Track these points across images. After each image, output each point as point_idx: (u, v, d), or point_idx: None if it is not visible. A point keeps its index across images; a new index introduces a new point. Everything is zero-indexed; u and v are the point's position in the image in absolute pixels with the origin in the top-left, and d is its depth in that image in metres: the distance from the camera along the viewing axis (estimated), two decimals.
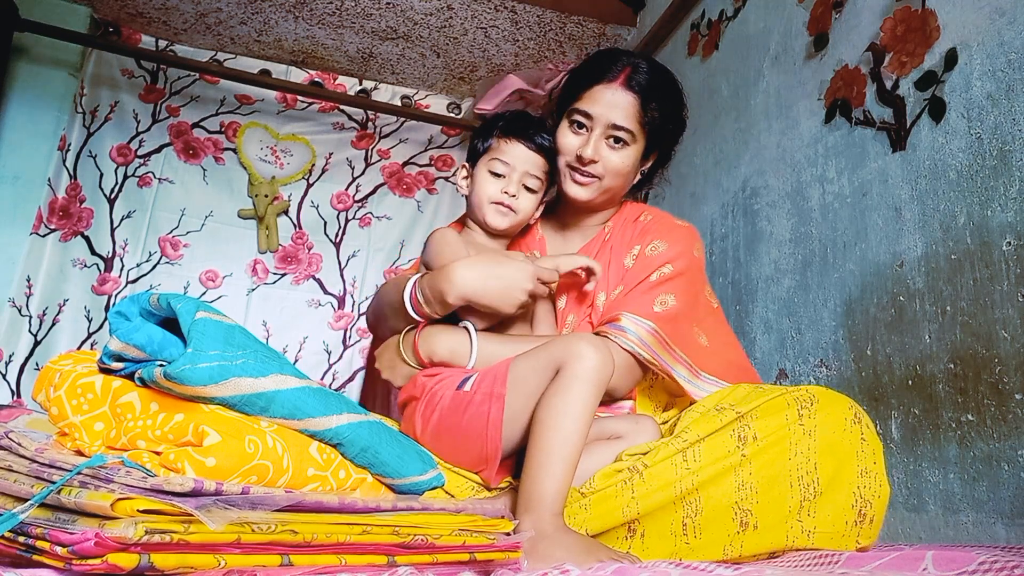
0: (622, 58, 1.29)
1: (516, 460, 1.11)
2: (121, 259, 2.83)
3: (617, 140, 1.25)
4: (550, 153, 1.26)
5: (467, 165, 1.29)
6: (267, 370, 0.76)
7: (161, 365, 0.71)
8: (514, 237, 1.35)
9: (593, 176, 1.26)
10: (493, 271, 1.11)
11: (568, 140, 1.27)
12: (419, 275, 1.18)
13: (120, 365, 0.75)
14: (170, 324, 0.76)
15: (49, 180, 2.72)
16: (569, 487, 0.98)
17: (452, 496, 1.06)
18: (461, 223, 1.37)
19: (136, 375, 0.73)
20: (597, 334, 1.18)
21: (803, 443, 1.00)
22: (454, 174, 3.29)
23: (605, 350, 1.02)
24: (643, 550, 1.01)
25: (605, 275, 1.29)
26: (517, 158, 1.23)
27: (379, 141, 3.24)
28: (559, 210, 1.39)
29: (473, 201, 1.26)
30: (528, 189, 1.25)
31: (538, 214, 1.33)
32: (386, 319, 1.26)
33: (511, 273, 1.11)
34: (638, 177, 1.35)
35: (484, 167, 1.25)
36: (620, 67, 1.26)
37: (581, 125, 1.27)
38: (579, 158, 1.25)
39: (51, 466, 0.65)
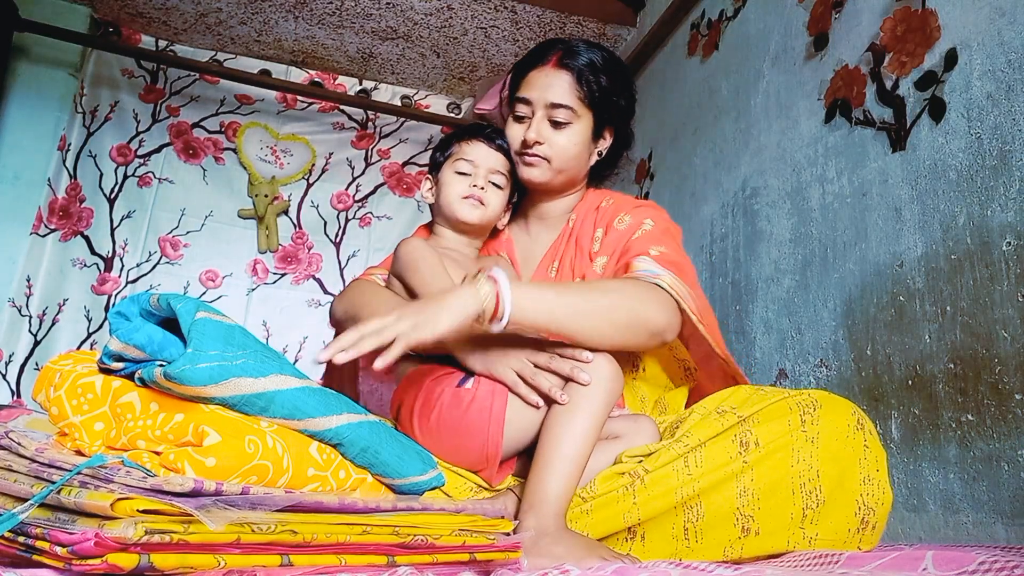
0: (556, 43, 1.31)
1: (517, 460, 1.11)
2: (121, 259, 2.83)
3: (559, 120, 1.26)
4: (510, 155, 1.29)
5: (430, 176, 1.33)
6: (267, 370, 0.76)
7: (161, 365, 0.71)
8: (483, 240, 1.35)
9: (540, 157, 1.26)
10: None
11: (513, 131, 1.29)
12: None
13: (120, 365, 0.75)
14: (171, 324, 0.76)
15: (49, 180, 2.72)
16: (575, 489, 0.99)
17: (451, 496, 1.06)
18: (427, 230, 1.37)
19: (136, 375, 0.73)
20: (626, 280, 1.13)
21: (805, 450, 0.98)
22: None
23: (615, 363, 1.05)
24: (643, 552, 1.01)
25: (570, 266, 1.29)
26: (480, 156, 1.27)
27: (379, 141, 3.24)
28: (523, 205, 1.39)
29: (442, 202, 1.28)
30: (495, 186, 1.28)
31: (506, 219, 1.35)
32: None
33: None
34: (595, 158, 1.34)
35: (449, 170, 1.28)
36: (553, 51, 1.29)
37: (522, 115, 1.28)
38: (524, 142, 1.26)
39: (51, 466, 0.65)
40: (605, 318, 1.05)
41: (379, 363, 0.89)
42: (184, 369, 0.69)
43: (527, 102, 1.27)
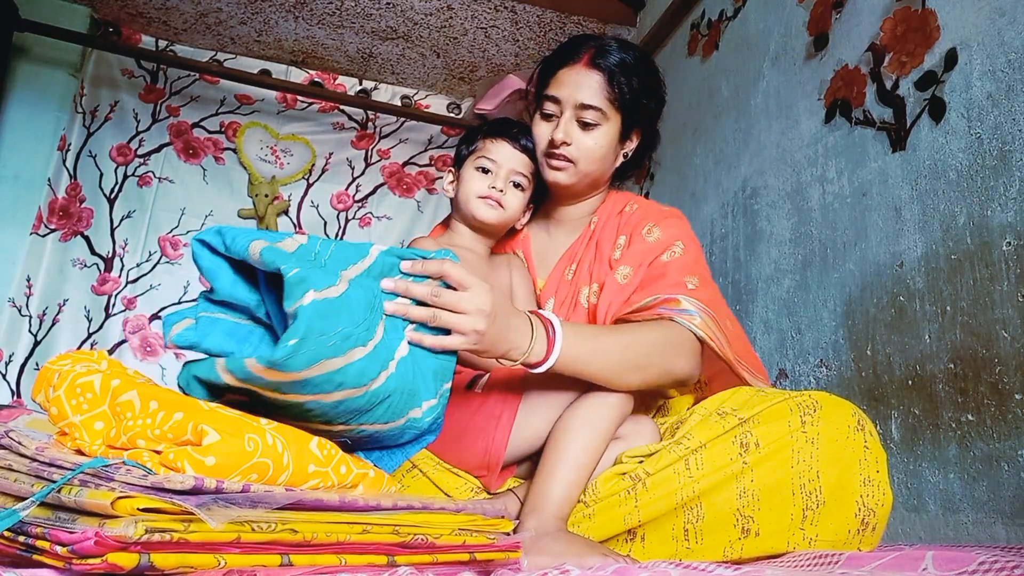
0: (588, 41, 1.27)
1: (519, 463, 1.11)
2: (121, 259, 2.83)
3: (588, 122, 1.23)
4: (535, 155, 1.27)
5: (453, 170, 1.30)
6: (346, 347, 0.79)
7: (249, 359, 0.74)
8: (498, 239, 1.33)
9: (568, 160, 1.24)
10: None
11: (540, 129, 1.26)
12: None
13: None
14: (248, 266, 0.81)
15: (49, 180, 2.72)
16: (578, 496, 1.00)
17: (452, 496, 1.06)
18: (444, 226, 1.35)
19: (220, 364, 0.77)
20: (659, 317, 1.12)
21: (805, 451, 0.98)
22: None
23: None
24: (643, 553, 1.01)
25: (588, 270, 1.27)
26: (503, 156, 1.24)
27: (379, 141, 3.25)
28: (545, 206, 1.36)
29: (460, 199, 1.25)
30: (516, 187, 1.25)
31: (525, 219, 1.32)
32: None
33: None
34: (620, 160, 1.32)
35: (471, 166, 1.25)
36: (585, 48, 1.25)
37: (550, 113, 1.25)
38: (551, 142, 1.23)
39: (51, 465, 0.65)
40: (638, 374, 1.06)
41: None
42: (287, 359, 0.72)
43: (556, 100, 1.24)
